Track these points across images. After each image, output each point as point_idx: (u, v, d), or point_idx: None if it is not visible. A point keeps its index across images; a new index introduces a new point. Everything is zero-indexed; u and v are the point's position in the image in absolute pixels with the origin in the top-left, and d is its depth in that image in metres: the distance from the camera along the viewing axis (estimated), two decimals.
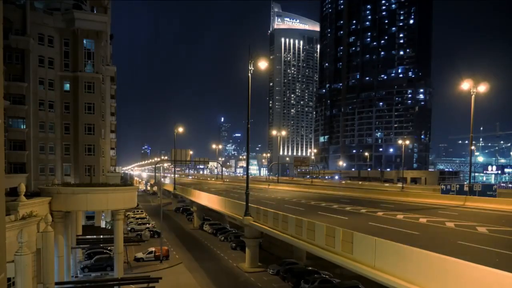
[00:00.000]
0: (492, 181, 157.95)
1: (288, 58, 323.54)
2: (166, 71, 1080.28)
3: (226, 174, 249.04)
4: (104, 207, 34.02)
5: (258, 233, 40.14)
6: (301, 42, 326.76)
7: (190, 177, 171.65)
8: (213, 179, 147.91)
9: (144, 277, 30.21)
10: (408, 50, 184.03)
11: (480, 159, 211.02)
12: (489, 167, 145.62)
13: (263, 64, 34.82)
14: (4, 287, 12.14)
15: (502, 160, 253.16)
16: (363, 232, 20.47)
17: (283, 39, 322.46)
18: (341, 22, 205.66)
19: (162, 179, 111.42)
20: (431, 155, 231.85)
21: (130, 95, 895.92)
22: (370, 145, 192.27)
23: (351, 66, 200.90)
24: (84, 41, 49.01)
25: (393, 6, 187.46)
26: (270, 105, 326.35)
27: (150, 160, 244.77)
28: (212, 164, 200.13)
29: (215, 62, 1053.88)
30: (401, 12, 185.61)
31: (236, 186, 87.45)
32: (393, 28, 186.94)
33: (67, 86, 48.78)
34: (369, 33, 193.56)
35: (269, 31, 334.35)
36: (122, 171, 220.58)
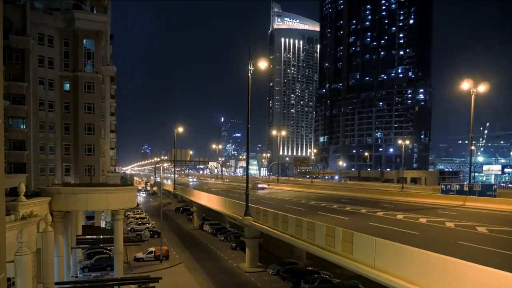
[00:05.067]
0: (492, 181, 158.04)
1: (288, 58, 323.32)
2: (166, 71, 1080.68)
3: (226, 174, 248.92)
4: (104, 207, 33.94)
5: (258, 233, 40.15)
6: (301, 42, 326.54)
7: (190, 177, 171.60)
8: (213, 179, 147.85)
9: (144, 277, 30.19)
10: (408, 50, 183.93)
11: (480, 159, 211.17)
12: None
13: (263, 64, 34.81)
14: (4, 287, 12.13)
15: (502, 160, 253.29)
16: (363, 232, 20.48)
17: (283, 39, 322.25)
18: (341, 22, 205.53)
19: (158, 179, 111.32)
20: (431, 155, 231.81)
21: (130, 95, 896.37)
22: (370, 145, 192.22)
23: (351, 66, 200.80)
24: (84, 41, 48.94)
25: (393, 6, 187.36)
26: (270, 105, 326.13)
27: (150, 160, 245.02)
28: (212, 164, 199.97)
29: (215, 61, 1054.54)
30: (401, 12, 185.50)
31: (236, 186, 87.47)
32: (393, 28, 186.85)
33: (67, 86, 48.72)
34: (369, 33, 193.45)
35: (269, 31, 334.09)
36: (122, 171, 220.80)
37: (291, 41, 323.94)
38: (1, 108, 11.56)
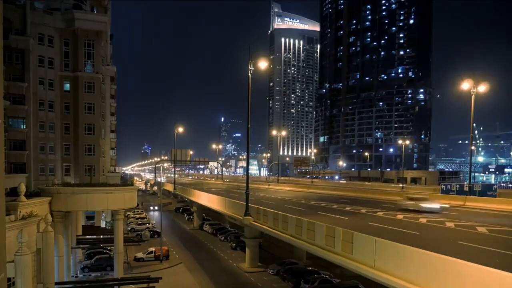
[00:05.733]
0: (492, 181, 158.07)
1: (288, 58, 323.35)
2: (166, 71, 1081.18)
3: (226, 174, 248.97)
4: (104, 207, 33.95)
5: (258, 233, 40.15)
6: (301, 42, 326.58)
7: (190, 177, 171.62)
8: (213, 179, 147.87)
9: (144, 277, 30.20)
10: (408, 50, 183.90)
11: (480, 159, 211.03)
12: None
13: (263, 64, 34.77)
14: (4, 287, 12.13)
15: (502, 160, 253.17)
16: (363, 232, 20.46)
17: (283, 39, 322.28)
18: (341, 22, 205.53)
19: (159, 179, 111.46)
20: (431, 155, 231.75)
21: (130, 95, 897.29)
22: (370, 145, 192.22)
23: (351, 66, 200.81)
24: (84, 41, 49.01)
25: (393, 6, 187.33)
26: (270, 105, 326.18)
27: (150, 160, 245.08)
28: (212, 164, 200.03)
29: (215, 62, 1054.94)
30: (401, 12, 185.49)
31: (236, 186, 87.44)
32: (393, 28, 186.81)
33: (67, 86, 48.76)
34: (369, 33, 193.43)
35: (269, 31, 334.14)
36: (122, 171, 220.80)
37: (291, 41, 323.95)
38: (1, 108, 11.56)
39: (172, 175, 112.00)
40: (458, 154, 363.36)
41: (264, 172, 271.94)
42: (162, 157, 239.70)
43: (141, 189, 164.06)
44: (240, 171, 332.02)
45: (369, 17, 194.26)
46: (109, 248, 41.28)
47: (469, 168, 53.73)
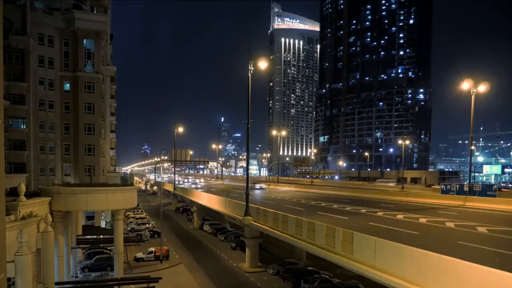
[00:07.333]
0: (492, 181, 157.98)
1: (288, 58, 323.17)
2: (166, 71, 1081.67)
3: (226, 174, 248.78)
4: (104, 207, 33.95)
5: (258, 233, 40.14)
6: (301, 42, 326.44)
7: (190, 178, 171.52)
8: (213, 179, 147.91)
9: (144, 277, 30.21)
10: (408, 50, 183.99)
11: (480, 159, 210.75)
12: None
13: (263, 64, 34.75)
14: (4, 287, 12.13)
15: (502, 160, 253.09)
16: (363, 232, 20.46)
17: (283, 39, 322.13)
18: (341, 22, 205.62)
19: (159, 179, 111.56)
20: (431, 155, 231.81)
21: (130, 95, 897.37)
22: (370, 145, 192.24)
23: (351, 66, 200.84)
24: (84, 41, 48.92)
25: (393, 6, 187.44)
26: (270, 105, 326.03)
27: (150, 160, 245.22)
28: (212, 164, 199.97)
29: (215, 62, 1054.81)
30: (401, 12, 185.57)
31: (236, 186, 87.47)
32: (393, 28, 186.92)
33: (67, 86, 48.70)
34: (369, 33, 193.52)
35: (269, 31, 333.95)
36: (122, 171, 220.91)
37: (291, 41, 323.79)
38: (1, 108, 11.56)
39: (172, 175, 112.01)
40: (458, 154, 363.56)
41: (264, 172, 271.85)
42: (162, 157, 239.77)
43: (141, 189, 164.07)
44: (240, 171, 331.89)
45: (369, 17, 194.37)
46: (109, 248, 41.26)
47: (469, 168, 53.74)
